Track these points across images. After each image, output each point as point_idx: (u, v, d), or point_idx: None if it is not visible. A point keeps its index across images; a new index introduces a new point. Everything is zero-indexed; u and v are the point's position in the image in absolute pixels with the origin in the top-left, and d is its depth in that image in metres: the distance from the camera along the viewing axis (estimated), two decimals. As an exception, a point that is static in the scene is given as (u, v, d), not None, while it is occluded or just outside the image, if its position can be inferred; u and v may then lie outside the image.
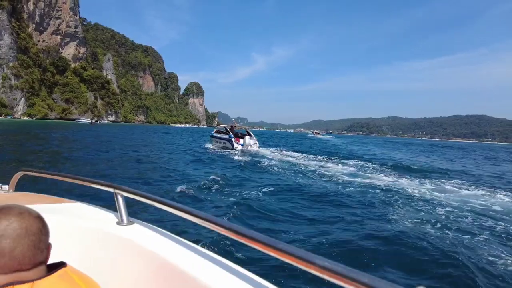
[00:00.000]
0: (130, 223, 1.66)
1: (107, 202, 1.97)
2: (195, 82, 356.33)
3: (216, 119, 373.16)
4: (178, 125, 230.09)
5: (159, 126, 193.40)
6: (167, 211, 1.42)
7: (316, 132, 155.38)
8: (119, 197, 1.66)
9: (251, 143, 26.80)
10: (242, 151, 24.78)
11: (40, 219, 0.87)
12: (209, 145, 31.58)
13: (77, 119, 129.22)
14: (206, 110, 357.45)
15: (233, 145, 25.52)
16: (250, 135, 27.90)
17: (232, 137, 26.15)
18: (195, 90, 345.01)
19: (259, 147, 27.84)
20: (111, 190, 1.70)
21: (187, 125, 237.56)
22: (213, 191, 8.82)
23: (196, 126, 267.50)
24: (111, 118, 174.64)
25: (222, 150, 25.98)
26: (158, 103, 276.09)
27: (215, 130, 31.88)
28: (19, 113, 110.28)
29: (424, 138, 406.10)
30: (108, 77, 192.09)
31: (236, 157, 19.17)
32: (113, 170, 12.12)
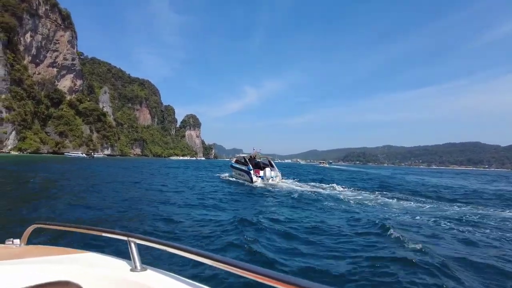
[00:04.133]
0: (143, 269, 1.65)
1: (118, 249, 1.84)
2: (192, 114, 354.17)
3: (213, 151, 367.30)
4: (177, 157, 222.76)
5: (157, 159, 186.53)
6: (181, 256, 1.42)
7: (323, 163, 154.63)
8: (132, 245, 1.66)
9: (273, 176, 24.05)
10: (262, 184, 22.42)
11: None
12: (225, 175, 30.32)
13: (67, 153, 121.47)
14: (202, 142, 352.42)
15: (251, 179, 23.01)
16: (271, 166, 25.27)
17: (251, 169, 23.55)
18: (192, 122, 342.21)
19: (282, 179, 24.84)
20: (124, 238, 1.71)
21: (184, 158, 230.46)
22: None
23: (194, 158, 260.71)
24: (107, 152, 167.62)
25: (241, 182, 24.04)
26: (155, 135, 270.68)
27: (235, 159, 29.48)
28: (9, 147, 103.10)
29: (422, 167, 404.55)
30: (105, 109, 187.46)
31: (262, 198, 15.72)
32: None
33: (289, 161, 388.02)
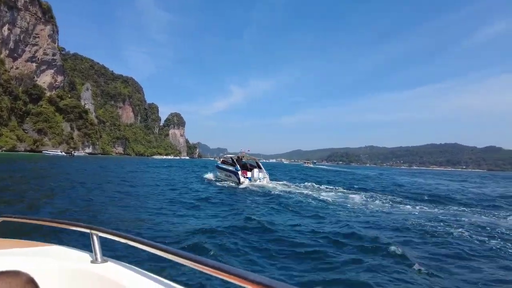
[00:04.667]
0: (104, 261, 1.67)
1: (85, 243, 2.01)
2: (176, 112, 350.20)
3: (197, 150, 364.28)
4: (160, 157, 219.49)
5: (139, 158, 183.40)
6: (143, 250, 1.44)
7: (308, 163, 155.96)
8: (94, 237, 1.69)
9: (260, 177, 23.63)
10: (250, 185, 21.70)
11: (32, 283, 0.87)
12: (210, 176, 29.13)
13: (45, 151, 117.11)
14: (186, 141, 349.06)
15: (239, 179, 22.45)
16: (259, 167, 24.56)
17: (239, 170, 22.94)
18: (176, 120, 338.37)
19: (270, 180, 24.09)
20: (87, 231, 1.74)
21: (168, 157, 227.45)
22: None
23: (177, 157, 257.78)
24: (88, 150, 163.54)
25: (227, 183, 23.21)
26: (138, 134, 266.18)
27: (221, 159, 28.49)
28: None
29: (403, 167, 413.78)
30: (87, 107, 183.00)
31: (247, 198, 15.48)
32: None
33: (274, 160, 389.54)
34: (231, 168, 24.35)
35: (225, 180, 24.90)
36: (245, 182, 22.25)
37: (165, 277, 1.46)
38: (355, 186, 26.14)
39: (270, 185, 22.57)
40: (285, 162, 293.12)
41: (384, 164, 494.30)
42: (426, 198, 18.41)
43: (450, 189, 27.30)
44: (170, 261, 1.27)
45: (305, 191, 19.32)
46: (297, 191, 19.45)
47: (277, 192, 18.04)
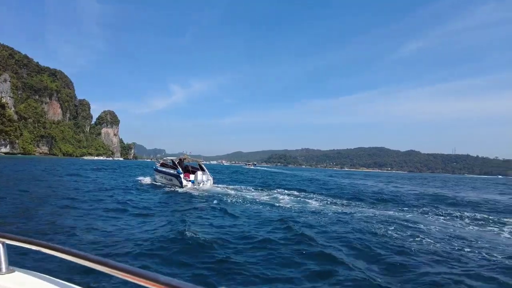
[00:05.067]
0: (10, 271, 1.53)
1: None
2: (110, 110, 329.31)
3: (133, 151, 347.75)
4: (91, 157, 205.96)
5: (67, 159, 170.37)
6: (56, 256, 1.33)
7: (249, 164, 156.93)
8: (0, 245, 1.53)
9: (204, 180, 22.63)
10: (193, 189, 20.89)
11: None
12: (147, 180, 27.08)
13: None
14: (121, 141, 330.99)
15: (181, 183, 21.33)
16: (202, 170, 23.63)
17: (181, 173, 21.84)
18: (110, 119, 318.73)
19: (214, 183, 23.77)
20: None
21: (99, 158, 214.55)
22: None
23: (110, 158, 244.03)
24: (4, 150, 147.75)
25: (168, 188, 21.86)
26: (66, 132, 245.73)
27: (160, 162, 27.12)
28: None
29: (335, 168, 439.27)
30: (4, 100, 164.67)
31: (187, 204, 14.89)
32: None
33: (215, 162, 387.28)
34: (172, 171, 23.05)
35: (166, 185, 23.31)
36: (188, 186, 21.32)
37: (80, 285, 1.38)
38: (297, 187, 26.92)
39: (217, 189, 21.82)
40: (225, 164, 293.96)
41: (319, 166, 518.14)
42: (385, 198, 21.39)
43: (393, 191, 29.88)
44: (86, 268, 1.20)
45: (253, 194, 19.36)
46: (246, 194, 19.03)
47: (222, 196, 17.43)
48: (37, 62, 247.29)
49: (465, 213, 15.31)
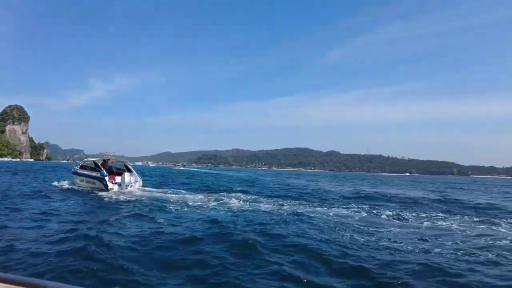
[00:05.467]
0: None
1: None
2: (17, 105, 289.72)
3: (46, 151, 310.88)
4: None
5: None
6: None
7: (178, 165, 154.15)
8: None
9: (132, 182, 21.39)
10: (120, 193, 19.47)
11: None
12: (64, 184, 24.24)
13: None
14: (31, 140, 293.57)
15: (106, 186, 19.87)
16: (129, 171, 22.36)
17: (105, 175, 20.30)
18: (16, 115, 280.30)
19: (143, 186, 22.53)
20: None
21: (4, 159, 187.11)
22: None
23: (18, 159, 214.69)
24: None
25: (90, 192, 19.95)
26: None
27: (79, 165, 24.57)
28: None
29: (264, 168, 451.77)
30: None
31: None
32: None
33: (140, 163, 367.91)
34: (94, 173, 21.36)
35: (87, 189, 21.43)
36: (114, 189, 20.02)
37: None
38: (237, 188, 26.68)
39: (145, 192, 20.53)
40: (151, 165, 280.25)
41: (248, 166, 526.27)
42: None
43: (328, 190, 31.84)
44: None
45: (185, 197, 18.72)
46: (177, 198, 18.28)
47: (152, 201, 16.49)
48: None
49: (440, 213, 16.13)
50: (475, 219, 14.13)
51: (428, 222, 12.94)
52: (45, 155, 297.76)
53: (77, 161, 27.53)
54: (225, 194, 21.41)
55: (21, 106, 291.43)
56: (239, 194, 21.88)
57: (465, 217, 14.84)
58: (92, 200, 16.74)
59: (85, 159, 26.25)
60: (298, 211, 14.52)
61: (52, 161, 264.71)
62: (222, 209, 14.95)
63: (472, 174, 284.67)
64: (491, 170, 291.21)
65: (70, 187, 23.10)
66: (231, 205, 16.26)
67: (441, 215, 15.18)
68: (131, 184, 21.17)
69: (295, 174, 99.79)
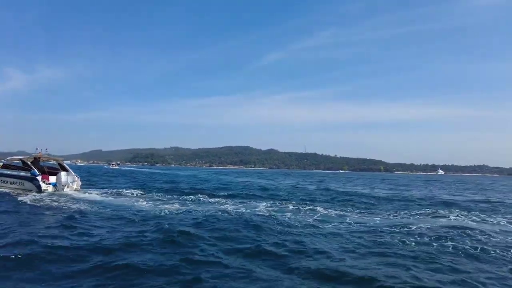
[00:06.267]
0: None
1: None
2: None
3: None
4: None
5: None
6: None
7: (113, 164, 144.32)
8: None
9: (69, 182, 19.54)
10: (55, 194, 17.77)
11: None
12: None
13: None
14: None
15: (39, 186, 18.10)
16: (66, 170, 20.45)
17: (37, 174, 18.52)
18: None
19: (82, 187, 20.51)
20: None
21: None
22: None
23: None
24: None
25: (17, 194, 17.49)
26: None
27: (1, 164, 21.71)
28: None
29: (205, 166, 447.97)
30: None
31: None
32: None
33: (68, 162, 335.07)
34: (22, 173, 19.29)
35: (13, 190, 19.12)
36: (48, 190, 18.33)
37: None
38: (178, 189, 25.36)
39: (85, 194, 18.78)
40: (80, 164, 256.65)
41: (188, 164, 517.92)
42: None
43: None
44: None
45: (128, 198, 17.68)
46: (118, 200, 17.01)
47: (92, 204, 14.93)
48: None
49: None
50: None
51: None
52: None
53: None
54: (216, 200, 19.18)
55: None
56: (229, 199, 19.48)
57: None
58: (18, 203, 14.68)
59: (9, 158, 23.50)
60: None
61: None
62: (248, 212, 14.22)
63: (396, 171, 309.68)
64: (411, 167, 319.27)
65: None
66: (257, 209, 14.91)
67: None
68: (68, 185, 19.43)
69: (243, 173, 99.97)
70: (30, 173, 18.88)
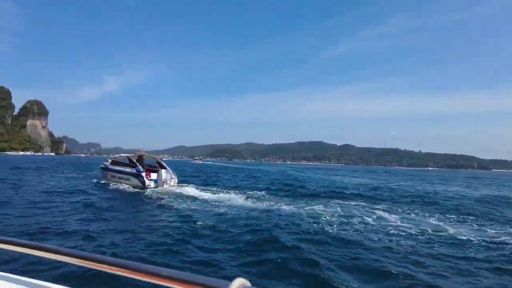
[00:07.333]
0: None
1: None
2: (36, 100, 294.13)
3: (64, 145, 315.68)
4: (16, 153, 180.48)
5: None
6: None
7: (198, 159, 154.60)
8: None
9: (168, 179, 20.59)
10: (157, 190, 18.74)
11: None
12: (102, 180, 23.23)
13: None
14: (51, 135, 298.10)
15: (143, 183, 19.15)
16: (163, 168, 21.34)
17: (142, 171, 19.57)
18: (36, 110, 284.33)
19: (178, 183, 21.49)
20: None
21: (26, 153, 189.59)
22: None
23: (39, 153, 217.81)
24: None
25: (125, 188, 19.28)
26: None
27: (110, 160, 23.78)
28: None
29: (279, 162, 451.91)
30: None
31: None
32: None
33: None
34: (129, 169, 20.60)
35: (122, 185, 20.76)
36: (151, 186, 19.44)
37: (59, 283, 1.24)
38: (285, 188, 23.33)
39: (188, 189, 19.42)
40: (165, 159, 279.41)
41: (263, 160, 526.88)
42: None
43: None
44: (67, 264, 0.93)
45: (235, 198, 16.26)
46: (221, 197, 16.39)
47: (194, 200, 15.31)
48: None
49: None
50: None
51: None
52: (64, 149, 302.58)
53: (109, 156, 27.86)
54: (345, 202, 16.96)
55: (40, 101, 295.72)
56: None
57: None
58: (131, 195, 16.47)
59: (117, 155, 25.68)
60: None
61: (71, 155, 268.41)
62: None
63: (494, 168, 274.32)
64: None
65: (106, 183, 22.21)
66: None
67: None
68: (167, 182, 20.42)
69: (326, 170, 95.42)
70: (136, 170, 19.96)
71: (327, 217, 12.11)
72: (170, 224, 10.15)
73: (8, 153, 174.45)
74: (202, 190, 19.59)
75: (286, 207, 14.26)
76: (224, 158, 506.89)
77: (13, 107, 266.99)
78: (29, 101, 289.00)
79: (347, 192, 22.59)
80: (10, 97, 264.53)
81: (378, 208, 15.06)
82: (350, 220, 11.83)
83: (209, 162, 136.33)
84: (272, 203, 15.53)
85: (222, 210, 12.84)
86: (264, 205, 14.73)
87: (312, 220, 11.46)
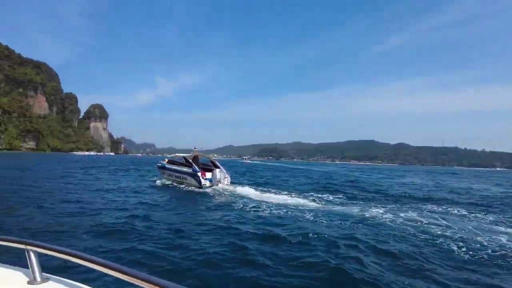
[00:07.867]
0: (44, 280, 1.49)
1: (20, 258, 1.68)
2: (98, 104, 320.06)
3: (123, 145, 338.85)
4: (81, 153, 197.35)
5: (56, 154, 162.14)
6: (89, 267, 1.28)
7: (246, 158, 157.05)
8: (31, 254, 1.48)
9: (221, 178, 20.64)
10: (212, 189, 18.92)
11: None
12: (163, 181, 23.14)
13: None
14: (110, 136, 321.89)
15: (199, 182, 19.42)
16: (217, 167, 21.34)
17: (198, 171, 19.78)
18: (98, 113, 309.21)
19: (231, 182, 21.42)
20: (21, 246, 1.51)
21: (90, 153, 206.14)
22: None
23: (101, 153, 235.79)
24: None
25: (182, 187, 19.82)
26: (53, 127, 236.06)
27: (167, 160, 24.43)
28: None
29: (327, 161, 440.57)
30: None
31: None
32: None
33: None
34: (185, 169, 20.88)
35: (179, 184, 21.21)
36: (206, 185, 19.63)
37: None
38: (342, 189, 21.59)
39: (240, 189, 19.26)
40: (215, 158, 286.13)
41: (310, 159, 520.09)
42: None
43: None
44: (117, 278, 1.18)
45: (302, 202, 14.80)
46: (279, 197, 15.83)
47: (248, 201, 14.72)
48: (19, 54, 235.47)
49: None
50: None
51: None
52: (122, 149, 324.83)
53: (165, 156, 27.20)
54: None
55: (101, 105, 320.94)
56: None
57: None
58: (192, 193, 16.94)
59: (173, 154, 26.28)
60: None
61: (129, 154, 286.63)
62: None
63: None
64: None
65: (163, 183, 22.37)
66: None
67: None
68: (221, 181, 20.53)
69: (387, 170, 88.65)
70: (192, 169, 20.19)
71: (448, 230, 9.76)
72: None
73: (75, 153, 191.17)
74: (261, 191, 18.90)
75: (384, 214, 12.08)
76: (271, 157, 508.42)
77: (79, 111, 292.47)
78: (92, 105, 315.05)
79: (449, 198, 19.65)
80: (76, 102, 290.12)
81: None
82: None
83: (257, 162, 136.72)
84: (356, 208, 13.43)
85: (303, 215, 11.41)
86: (352, 211, 12.70)
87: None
